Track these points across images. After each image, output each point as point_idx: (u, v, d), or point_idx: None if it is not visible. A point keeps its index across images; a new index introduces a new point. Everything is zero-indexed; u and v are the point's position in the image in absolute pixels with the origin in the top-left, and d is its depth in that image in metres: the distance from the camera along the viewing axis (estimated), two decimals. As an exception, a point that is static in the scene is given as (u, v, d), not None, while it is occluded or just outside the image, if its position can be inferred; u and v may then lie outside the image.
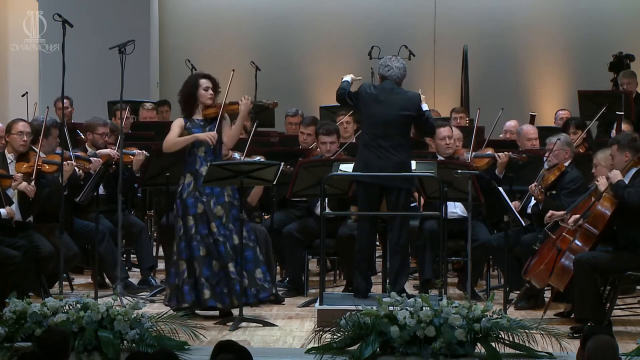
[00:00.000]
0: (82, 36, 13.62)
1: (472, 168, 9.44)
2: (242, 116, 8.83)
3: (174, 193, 9.80)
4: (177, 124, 8.84)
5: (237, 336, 7.94)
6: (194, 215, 8.65)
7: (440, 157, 9.92)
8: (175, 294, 8.64)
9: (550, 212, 9.04)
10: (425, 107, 8.91)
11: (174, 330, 7.32)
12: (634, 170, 8.37)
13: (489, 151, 10.21)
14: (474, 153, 10.12)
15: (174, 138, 8.78)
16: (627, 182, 8.33)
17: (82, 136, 10.46)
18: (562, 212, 8.92)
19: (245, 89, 14.27)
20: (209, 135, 8.69)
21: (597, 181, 8.46)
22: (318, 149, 10.27)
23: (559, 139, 9.49)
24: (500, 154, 9.99)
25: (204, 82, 8.81)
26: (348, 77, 9.02)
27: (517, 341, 7.07)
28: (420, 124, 8.93)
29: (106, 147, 10.28)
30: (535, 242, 8.74)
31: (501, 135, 11.93)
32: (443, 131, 9.92)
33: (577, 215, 8.44)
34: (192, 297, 8.60)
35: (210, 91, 8.79)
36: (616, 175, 8.27)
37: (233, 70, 8.98)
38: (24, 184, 8.86)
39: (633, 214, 8.20)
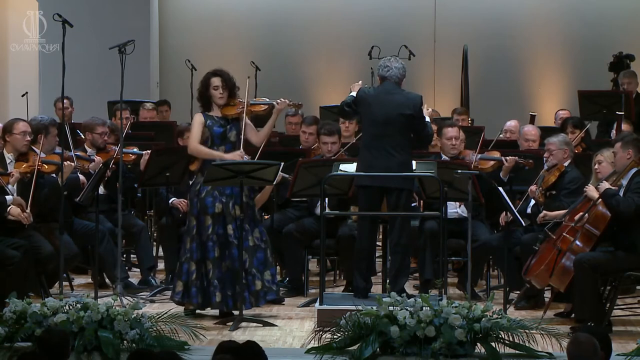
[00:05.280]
0: (82, 36, 13.61)
1: (476, 170, 9.44)
2: (275, 118, 8.90)
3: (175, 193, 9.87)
4: (198, 121, 8.78)
5: (237, 336, 7.94)
6: (212, 215, 8.62)
7: (444, 157, 9.92)
8: (185, 291, 8.67)
9: (544, 212, 9.06)
10: (427, 118, 8.91)
11: (174, 330, 7.32)
12: (633, 171, 8.38)
13: (496, 154, 10.17)
14: (480, 155, 10.09)
15: (199, 146, 8.70)
16: (626, 182, 8.35)
17: (83, 136, 10.46)
18: (555, 213, 8.93)
19: (245, 89, 14.29)
20: (237, 156, 8.66)
21: (587, 188, 8.48)
22: (320, 149, 10.27)
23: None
24: (508, 157, 9.97)
25: (214, 81, 8.77)
26: (354, 93, 9.01)
27: (517, 341, 7.07)
28: (419, 126, 8.88)
29: (105, 147, 10.28)
30: (535, 242, 8.74)
31: (501, 135, 11.93)
32: (450, 131, 9.94)
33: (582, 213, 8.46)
34: (199, 300, 8.62)
35: (221, 90, 8.77)
36: (603, 185, 8.30)
37: (249, 77, 9.05)
38: (18, 210, 8.81)
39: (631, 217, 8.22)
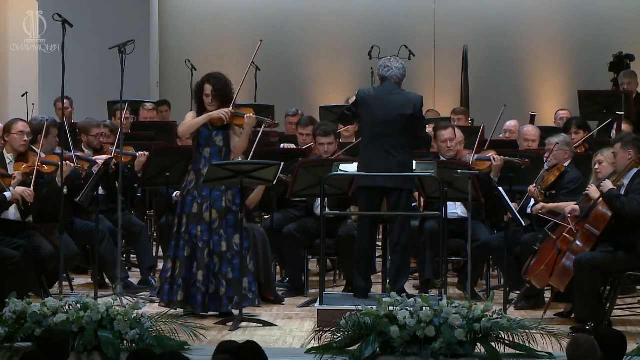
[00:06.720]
0: (82, 36, 13.62)
1: (473, 170, 9.44)
2: (247, 132, 8.82)
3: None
4: (190, 114, 8.83)
5: (237, 336, 7.93)
6: (188, 214, 8.66)
7: (442, 158, 9.91)
8: (160, 288, 8.73)
9: (541, 204, 9.05)
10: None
11: (174, 330, 7.32)
12: (634, 171, 8.37)
13: (491, 153, 10.16)
14: (476, 155, 10.08)
15: (189, 122, 8.75)
16: (627, 182, 8.35)
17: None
18: (554, 205, 8.93)
19: (245, 89, 14.30)
20: (223, 113, 8.65)
21: (589, 188, 8.48)
22: (317, 150, 10.25)
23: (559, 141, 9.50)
24: (495, 156, 9.93)
25: (206, 88, 8.76)
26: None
27: (517, 341, 7.07)
28: (417, 126, 8.87)
29: (102, 148, 10.29)
30: (535, 242, 8.74)
31: (501, 135, 11.93)
32: (445, 133, 9.90)
33: (576, 206, 8.46)
34: (169, 298, 8.64)
35: (210, 99, 8.74)
36: (607, 185, 8.29)
37: (261, 40, 8.97)
38: (22, 188, 8.84)
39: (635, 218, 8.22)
